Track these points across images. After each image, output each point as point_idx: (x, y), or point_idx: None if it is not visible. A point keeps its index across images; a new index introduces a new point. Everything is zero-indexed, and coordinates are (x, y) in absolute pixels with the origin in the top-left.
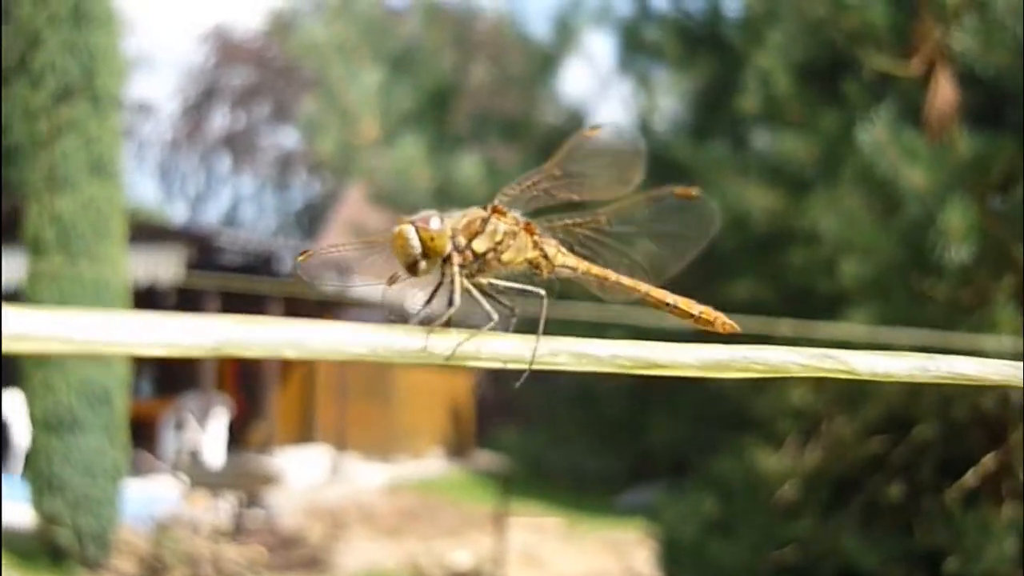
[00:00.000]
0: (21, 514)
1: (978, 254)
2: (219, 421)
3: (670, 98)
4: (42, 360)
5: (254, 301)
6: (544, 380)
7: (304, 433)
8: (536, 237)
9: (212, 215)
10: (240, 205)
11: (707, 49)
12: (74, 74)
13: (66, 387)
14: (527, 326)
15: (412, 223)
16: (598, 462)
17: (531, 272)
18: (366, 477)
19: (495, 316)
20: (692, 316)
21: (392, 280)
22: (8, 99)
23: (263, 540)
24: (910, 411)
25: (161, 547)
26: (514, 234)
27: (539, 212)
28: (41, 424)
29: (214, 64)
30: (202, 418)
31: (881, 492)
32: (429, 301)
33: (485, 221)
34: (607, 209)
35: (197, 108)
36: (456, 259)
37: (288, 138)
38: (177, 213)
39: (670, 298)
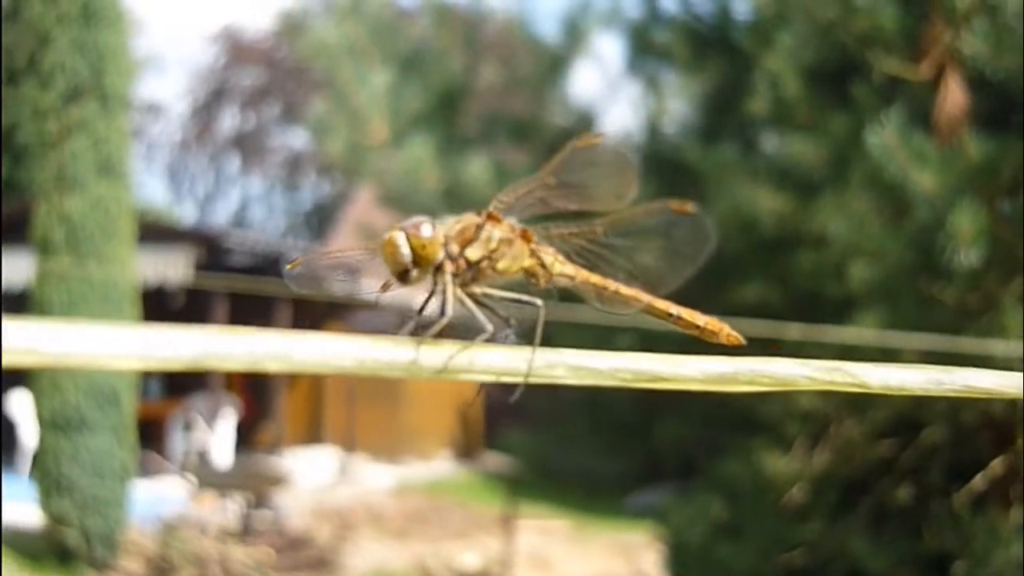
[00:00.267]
0: (29, 514)
1: (987, 258)
2: (227, 422)
3: (679, 100)
4: None
5: (263, 302)
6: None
7: (312, 434)
8: (533, 245)
9: (221, 216)
10: (249, 206)
11: (716, 52)
12: (83, 74)
13: (74, 387)
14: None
15: (403, 229)
16: (606, 464)
17: (527, 281)
18: (374, 478)
19: (489, 327)
20: (696, 328)
21: (384, 288)
22: (17, 99)
23: (271, 541)
24: (919, 414)
25: (169, 548)
26: (510, 242)
27: (534, 220)
28: (49, 424)
29: (223, 65)
30: (210, 419)
31: (889, 495)
32: (421, 311)
33: (479, 228)
34: (603, 220)
35: (206, 108)
36: (449, 267)
37: (297, 139)
38: (186, 214)
39: (673, 309)
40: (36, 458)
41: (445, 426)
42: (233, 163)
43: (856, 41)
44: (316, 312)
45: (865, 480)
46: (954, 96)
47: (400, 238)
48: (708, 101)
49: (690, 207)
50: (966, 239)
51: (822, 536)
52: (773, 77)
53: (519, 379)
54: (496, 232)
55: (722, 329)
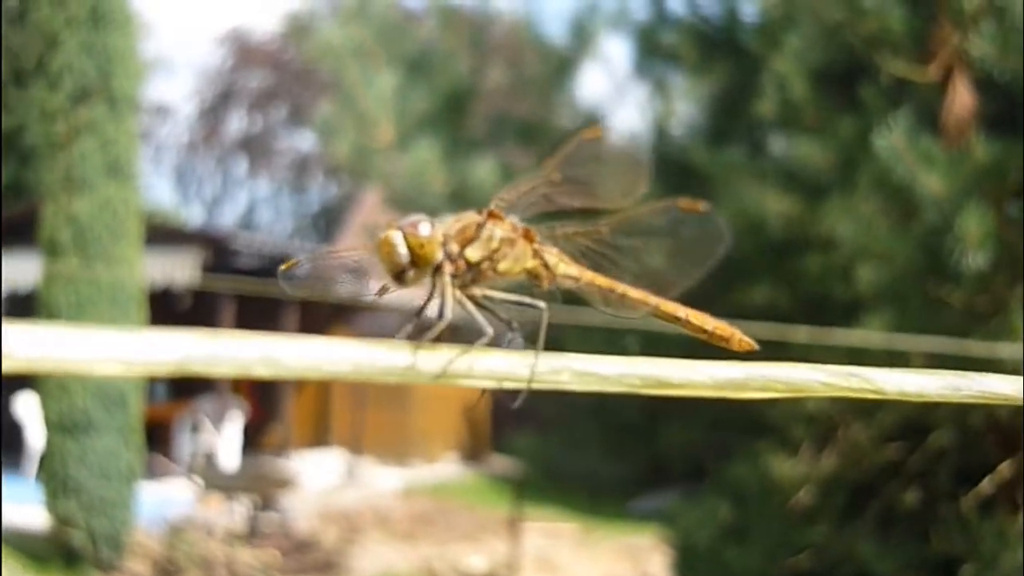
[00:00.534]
0: (35, 516)
1: (995, 261)
2: (234, 424)
3: (686, 103)
4: None
5: (270, 304)
6: None
7: (319, 437)
8: (536, 245)
9: (228, 218)
10: (256, 208)
11: (724, 54)
12: (91, 76)
13: (81, 389)
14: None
15: (400, 228)
16: (613, 467)
17: (530, 283)
18: (381, 481)
19: (490, 330)
20: (706, 332)
21: (382, 290)
22: (25, 100)
23: (277, 543)
24: (926, 418)
25: (175, 550)
26: (512, 241)
27: (538, 219)
28: (56, 426)
29: (231, 67)
30: (217, 421)
31: (897, 499)
32: (419, 314)
33: (480, 227)
34: (610, 219)
35: (214, 111)
36: (448, 268)
37: (304, 141)
38: (193, 215)
39: (682, 312)
40: (43, 460)
41: (452, 429)
42: (240, 165)
43: (864, 43)
44: (323, 314)
45: (872, 483)
46: (962, 98)
47: (397, 237)
48: (715, 103)
49: (702, 205)
50: (974, 242)
51: (829, 539)
52: (781, 79)
53: (522, 385)
54: (498, 231)
55: (733, 334)
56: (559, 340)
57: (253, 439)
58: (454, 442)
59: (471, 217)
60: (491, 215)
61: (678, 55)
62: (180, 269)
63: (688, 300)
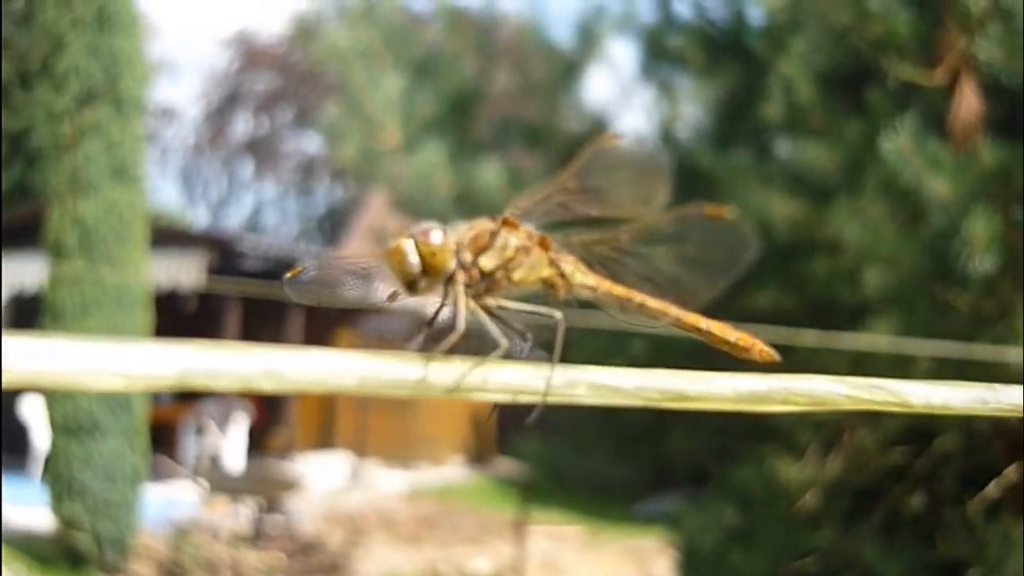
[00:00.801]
0: (40, 518)
1: (1002, 264)
2: (239, 426)
3: (693, 106)
4: None
5: (275, 306)
6: None
7: (324, 439)
8: (552, 253)
9: (234, 220)
10: (262, 210)
11: (730, 57)
12: (97, 78)
13: (86, 392)
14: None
15: (411, 236)
16: (618, 470)
17: (546, 293)
18: (386, 483)
19: (504, 342)
20: (727, 343)
21: (392, 299)
22: (31, 102)
23: (282, 546)
24: (932, 422)
25: (180, 552)
26: (527, 250)
27: (553, 228)
28: (61, 428)
29: (237, 69)
30: (222, 423)
31: (902, 503)
32: (431, 324)
33: (494, 235)
34: (629, 227)
35: (220, 113)
36: (461, 277)
37: (310, 143)
38: (199, 218)
39: (703, 323)
40: (48, 462)
41: (457, 431)
42: (246, 167)
43: (870, 46)
44: (329, 317)
45: (878, 487)
46: (969, 102)
47: (408, 245)
48: (722, 106)
49: (727, 212)
50: (981, 245)
51: (835, 543)
52: (787, 82)
53: (537, 398)
54: (512, 239)
55: (755, 345)
56: (565, 345)
57: (258, 441)
58: (459, 445)
59: (485, 225)
60: (505, 223)
61: (684, 58)
62: (186, 272)
63: (697, 308)
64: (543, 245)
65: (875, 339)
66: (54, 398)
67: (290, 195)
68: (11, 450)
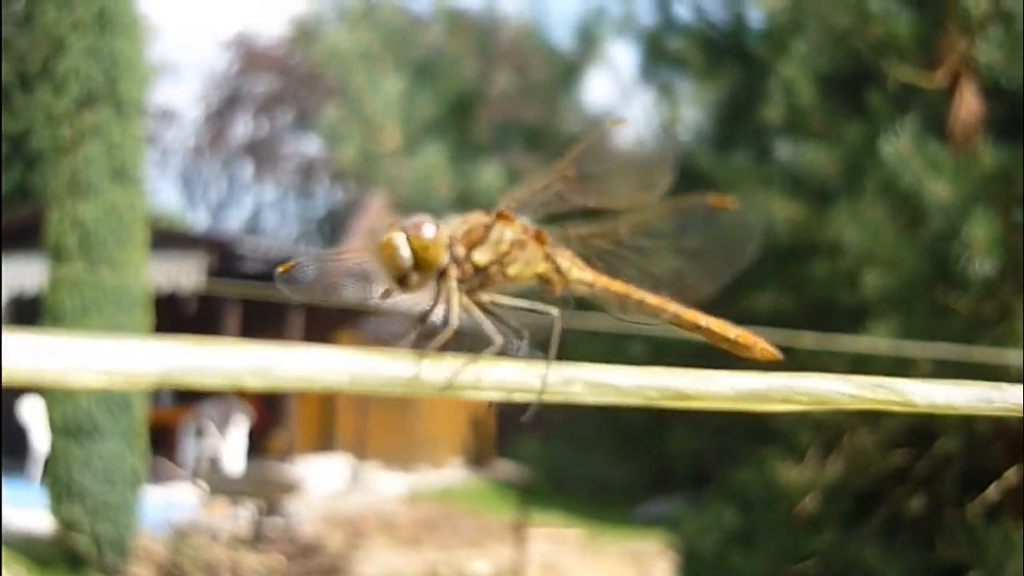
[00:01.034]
0: (39, 520)
1: (1002, 267)
2: (239, 428)
3: (693, 108)
4: None
5: (275, 309)
6: None
7: (324, 441)
8: (548, 248)
9: (234, 222)
10: (262, 212)
11: (730, 59)
12: (97, 80)
13: (86, 393)
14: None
15: (403, 230)
16: (619, 473)
17: (541, 288)
18: (386, 486)
19: (498, 339)
20: (728, 341)
21: (385, 295)
22: (31, 104)
23: (282, 548)
24: (932, 424)
25: (180, 554)
26: (522, 244)
27: (550, 219)
28: (60, 430)
29: (237, 71)
30: (222, 425)
31: (903, 505)
32: (423, 321)
33: (488, 228)
34: (628, 219)
35: (220, 115)
36: (454, 272)
37: (310, 146)
38: (199, 220)
39: (702, 320)
40: (47, 464)
41: (457, 434)
42: (246, 169)
43: (871, 49)
44: (329, 318)
45: (878, 490)
46: (969, 104)
47: (399, 239)
48: (722, 109)
49: (730, 202)
50: (981, 248)
51: (835, 546)
52: (787, 85)
53: (532, 397)
54: (507, 233)
55: (756, 343)
56: (562, 346)
57: (258, 444)
58: (459, 447)
59: (478, 218)
60: (500, 216)
61: (684, 60)
62: (186, 274)
63: (697, 305)
64: (539, 239)
65: (875, 341)
66: (54, 400)
67: (290, 197)
68: (11, 452)
